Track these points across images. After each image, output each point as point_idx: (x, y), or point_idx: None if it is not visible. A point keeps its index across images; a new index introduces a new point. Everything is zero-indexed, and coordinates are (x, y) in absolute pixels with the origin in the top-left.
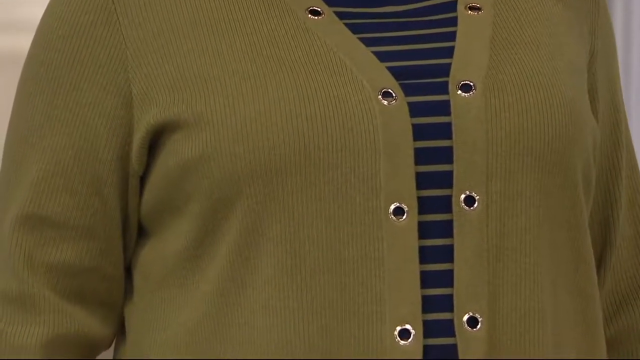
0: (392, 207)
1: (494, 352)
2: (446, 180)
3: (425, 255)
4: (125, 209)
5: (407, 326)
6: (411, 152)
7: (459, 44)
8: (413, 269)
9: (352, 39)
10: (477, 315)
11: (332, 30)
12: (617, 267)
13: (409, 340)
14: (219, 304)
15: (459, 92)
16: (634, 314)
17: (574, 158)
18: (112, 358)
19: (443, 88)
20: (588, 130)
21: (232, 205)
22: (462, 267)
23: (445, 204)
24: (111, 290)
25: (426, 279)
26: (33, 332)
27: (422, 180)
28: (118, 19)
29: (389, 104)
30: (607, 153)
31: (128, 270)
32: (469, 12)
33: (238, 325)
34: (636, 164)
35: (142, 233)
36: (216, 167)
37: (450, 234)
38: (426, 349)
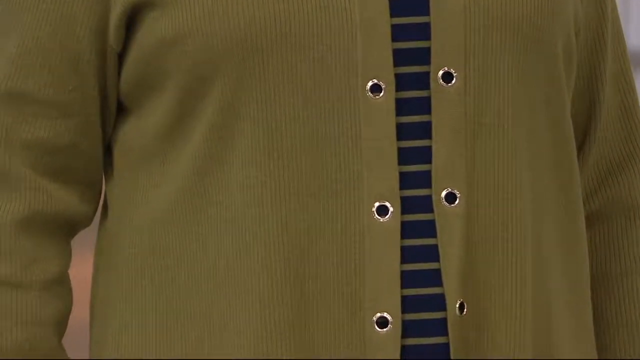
0: (370, 84)
1: (472, 228)
2: (424, 56)
3: (403, 131)
4: (104, 87)
5: (385, 203)
6: (388, 29)
7: None
8: (391, 144)
9: None
10: (456, 191)
11: None
12: (602, 140)
13: (387, 216)
14: (197, 181)
15: None
16: (619, 185)
17: (554, 32)
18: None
19: None
20: (569, 1)
21: (209, 83)
22: (440, 143)
23: (423, 81)
24: (90, 169)
25: (404, 156)
26: (9, 208)
27: (400, 57)
28: None
29: None
30: (592, 25)
31: (108, 149)
32: None
33: (216, 204)
34: (622, 35)
35: (121, 110)
36: (192, 44)
37: (428, 111)
38: (404, 225)
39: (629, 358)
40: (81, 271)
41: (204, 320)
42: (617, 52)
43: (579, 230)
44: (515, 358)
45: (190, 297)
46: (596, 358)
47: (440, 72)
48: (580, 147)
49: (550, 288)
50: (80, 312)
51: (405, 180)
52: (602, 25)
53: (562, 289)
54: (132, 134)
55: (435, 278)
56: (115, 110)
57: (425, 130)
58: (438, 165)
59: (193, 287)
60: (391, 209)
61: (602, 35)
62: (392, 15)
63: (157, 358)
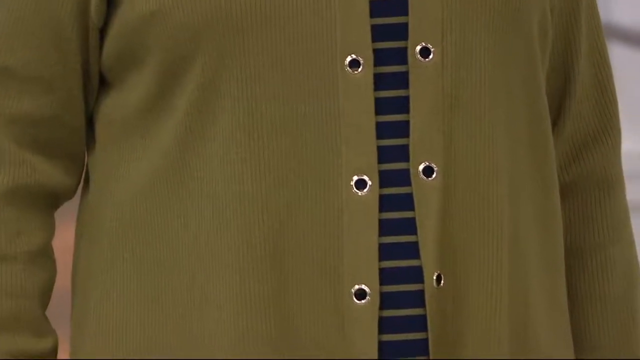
0: (348, 59)
1: (449, 201)
2: (401, 32)
3: (381, 106)
4: (86, 61)
5: (364, 177)
6: (366, 5)
7: None
8: (369, 119)
9: None
10: (433, 165)
11: None
12: (577, 114)
13: (365, 190)
14: (178, 157)
15: None
16: (593, 158)
17: (530, 10)
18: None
19: None
20: None
21: (190, 61)
22: (418, 117)
23: (401, 56)
24: (73, 141)
25: (382, 130)
26: None
27: (378, 33)
28: None
29: None
30: (566, 1)
31: (90, 123)
32: None
33: (197, 179)
34: (596, 10)
35: (104, 84)
36: (172, 21)
37: (406, 86)
38: (382, 198)
39: (604, 334)
40: (65, 239)
41: (184, 293)
42: (592, 26)
43: (554, 205)
44: (492, 330)
45: (171, 271)
46: (569, 332)
47: (418, 48)
48: (555, 122)
49: (526, 261)
50: (63, 280)
51: (384, 154)
52: (576, 0)
53: (538, 263)
54: (114, 108)
55: (412, 250)
56: (97, 84)
57: (403, 105)
58: (415, 139)
59: (174, 261)
60: (369, 183)
61: (577, 11)
62: None
63: (138, 328)
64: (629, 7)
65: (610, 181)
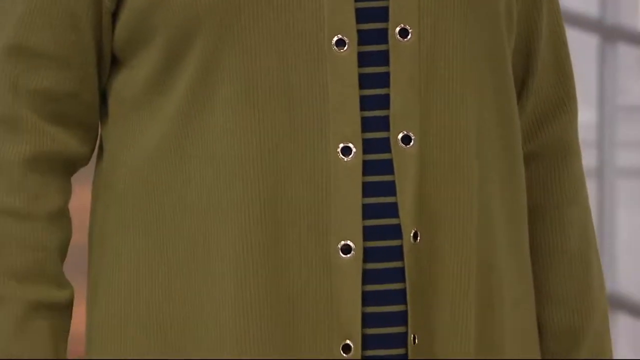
0: (335, 39)
1: (425, 166)
2: (383, 14)
3: (364, 81)
4: (100, 42)
5: (349, 144)
6: None
7: None
8: (354, 93)
9: None
10: (411, 134)
11: None
12: (538, 90)
13: (350, 156)
14: (182, 125)
15: None
16: (553, 128)
17: None
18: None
19: None
20: None
21: (193, 38)
22: (398, 91)
23: (382, 36)
24: (88, 114)
25: (365, 102)
26: (18, 149)
27: (362, 15)
28: None
29: None
30: None
31: (103, 97)
32: None
33: (199, 145)
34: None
35: (115, 63)
36: (178, 4)
37: (386, 63)
38: (365, 163)
39: (562, 285)
40: (81, 200)
41: (189, 245)
42: (551, 12)
43: (518, 169)
44: (462, 278)
45: (177, 226)
46: (531, 281)
47: (397, 29)
48: (520, 96)
49: (493, 218)
50: (78, 237)
51: (367, 124)
52: None
53: (503, 219)
54: (125, 84)
55: (392, 210)
56: (109, 63)
57: (384, 80)
58: (395, 111)
59: (179, 217)
60: (354, 150)
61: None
62: None
63: (148, 278)
64: None
65: (568, 149)
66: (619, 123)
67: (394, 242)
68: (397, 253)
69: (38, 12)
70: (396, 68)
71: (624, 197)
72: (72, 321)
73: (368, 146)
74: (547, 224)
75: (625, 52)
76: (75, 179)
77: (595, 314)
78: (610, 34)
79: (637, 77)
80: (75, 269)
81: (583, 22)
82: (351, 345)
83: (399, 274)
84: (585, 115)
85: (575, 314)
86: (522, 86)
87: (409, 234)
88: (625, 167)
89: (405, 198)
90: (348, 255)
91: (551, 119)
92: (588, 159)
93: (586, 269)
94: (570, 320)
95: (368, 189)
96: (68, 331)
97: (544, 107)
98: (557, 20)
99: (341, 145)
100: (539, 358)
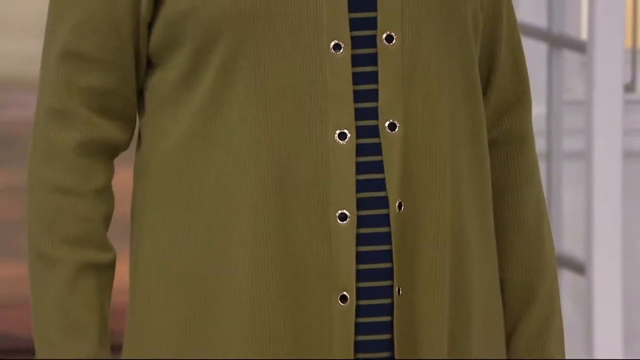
0: (332, 43)
1: (408, 149)
2: (372, 23)
3: (357, 78)
4: (138, 47)
5: (345, 130)
6: (345, 3)
7: None
8: (348, 88)
9: None
10: (396, 122)
11: None
12: (499, 87)
13: (346, 140)
14: (205, 118)
15: None
16: (511, 120)
17: (466, 9)
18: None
19: None
20: None
21: (215, 44)
22: (385, 86)
23: (371, 41)
24: (128, 108)
25: (358, 96)
26: (69, 136)
27: (354, 24)
28: None
29: None
30: (492, 3)
31: (141, 95)
32: None
33: (221, 135)
34: (513, 9)
35: (150, 65)
36: (204, 15)
37: (375, 63)
38: (358, 147)
39: (519, 254)
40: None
41: (211, 218)
42: (510, 21)
43: (483, 152)
44: (439, 238)
45: (200, 204)
46: (494, 247)
47: (384, 35)
48: (484, 91)
49: (463, 192)
50: (119, 209)
51: (359, 114)
52: (500, 3)
53: (472, 193)
54: (158, 82)
55: (381, 185)
56: (145, 65)
57: (373, 78)
58: (383, 103)
59: (202, 196)
60: (349, 135)
61: (499, 9)
62: None
63: (178, 246)
64: (530, 9)
65: (524, 138)
66: (564, 115)
67: (382, 211)
68: (384, 220)
69: (87, 23)
70: (383, 67)
71: (568, 177)
72: (115, 276)
73: (360, 132)
74: (507, 199)
75: (569, 57)
76: (117, 161)
77: (547, 272)
78: (556, 41)
79: (579, 78)
80: (118, 233)
81: (534, 32)
82: (347, 296)
83: (386, 238)
84: (537, 109)
85: (530, 272)
86: (486, 83)
87: (394, 204)
88: (569, 152)
89: (392, 175)
90: (344, 222)
91: (510, 111)
92: (539, 145)
93: (539, 236)
94: (526, 278)
95: (361, 168)
96: (111, 286)
97: (504, 101)
98: (514, 29)
99: (338, 131)
100: (501, 307)
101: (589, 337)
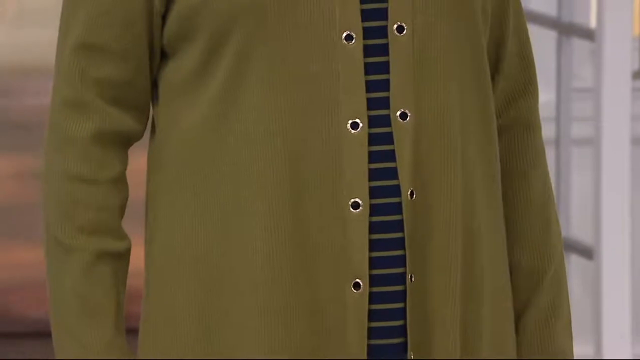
0: (344, 34)
1: (419, 138)
2: (383, 14)
3: (369, 68)
4: (152, 39)
5: (357, 120)
6: None
7: None
8: (360, 78)
9: None
10: (407, 111)
11: None
12: (507, 75)
13: (358, 129)
14: (219, 106)
15: None
16: (519, 107)
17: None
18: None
19: None
20: None
21: (229, 35)
22: (396, 76)
23: (382, 32)
24: (142, 98)
25: (370, 86)
26: (84, 126)
27: (366, 15)
28: None
29: None
30: None
31: (155, 85)
32: None
33: (234, 122)
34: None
35: (164, 55)
36: (218, 6)
37: (387, 54)
38: (370, 135)
39: (527, 233)
40: (136, 164)
41: (226, 204)
42: (516, 10)
43: (492, 138)
44: (450, 225)
45: (216, 189)
46: (503, 226)
47: (395, 26)
48: (492, 79)
49: (474, 179)
50: (134, 194)
51: (371, 104)
52: None
53: (481, 179)
54: (172, 73)
55: (393, 173)
56: (159, 55)
57: (385, 68)
58: (394, 92)
59: (218, 180)
60: (361, 124)
61: (507, 1)
62: None
63: (193, 231)
64: None
65: (531, 124)
66: (573, 102)
67: (395, 199)
68: (397, 208)
69: (102, 15)
70: (394, 58)
71: (577, 163)
72: (131, 260)
73: (372, 121)
74: (514, 183)
75: (578, 44)
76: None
77: (554, 257)
78: (566, 30)
79: (588, 65)
80: (132, 217)
81: (544, 20)
82: (360, 283)
83: (398, 225)
84: (546, 96)
85: (538, 257)
86: (494, 71)
87: (406, 192)
88: (577, 138)
89: (403, 163)
90: (357, 210)
91: (517, 98)
92: (548, 131)
93: (546, 220)
94: (534, 262)
95: (373, 156)
96: (127, 274)
97: (511, 88)
98: (521, 18)
99: (350, 121)
100: (511, 290)
101: (597, 321)
